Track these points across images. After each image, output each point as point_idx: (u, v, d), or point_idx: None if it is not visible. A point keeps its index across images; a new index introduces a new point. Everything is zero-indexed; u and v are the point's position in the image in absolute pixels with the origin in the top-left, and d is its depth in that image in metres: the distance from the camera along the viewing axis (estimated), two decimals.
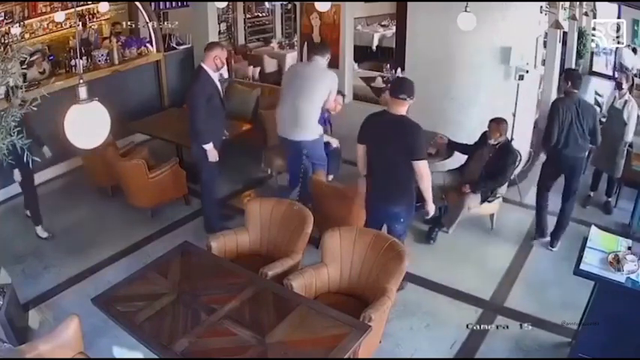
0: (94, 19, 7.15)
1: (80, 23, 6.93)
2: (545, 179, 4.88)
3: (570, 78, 4.61)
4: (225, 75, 5.54)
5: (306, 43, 6.70)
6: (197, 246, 3.76)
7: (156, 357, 2.95)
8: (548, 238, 4.88)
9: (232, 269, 3.51)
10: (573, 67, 8.87)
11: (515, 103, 5.54)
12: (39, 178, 5.87)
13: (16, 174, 4.65)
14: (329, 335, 2.81)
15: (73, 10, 6.38)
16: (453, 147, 5.27)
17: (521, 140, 5.73)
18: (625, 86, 5.19)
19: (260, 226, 4.01)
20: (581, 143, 4.55)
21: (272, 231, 3.99)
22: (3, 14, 5.87)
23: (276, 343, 2.76)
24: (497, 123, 4.80)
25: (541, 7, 5.78)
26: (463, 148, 5.22)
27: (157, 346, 2.83)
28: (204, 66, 4.56)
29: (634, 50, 7.91)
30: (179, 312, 3.03)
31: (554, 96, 6.77)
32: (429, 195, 3.89)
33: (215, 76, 4.65)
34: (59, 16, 6.35)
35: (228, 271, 3.46)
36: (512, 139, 5.11)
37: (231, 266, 3.56)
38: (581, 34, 8.86)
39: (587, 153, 4.88)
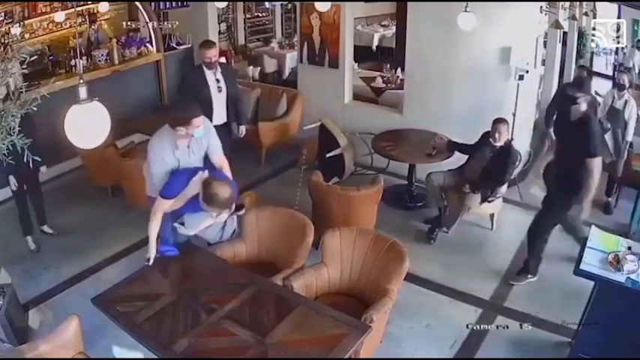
0: (95, 19, 7.15)
1: (88, 22, 6.95)
2: None
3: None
4: None
5: (306, 43, 6.70)
6: (197, 246, 3.76)
7: (156, 357, 2.95)
8: None
9: (232, 269, 3.51)
10: (573, 67, 8.87)
11: (515, 103, 5.54)
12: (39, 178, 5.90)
13: (12, 180, 4.59)
14: (329, 335, 2.80)
15: (73, 10, 6.38)
16: (452, 147, 5.28)
17: (521, 140, 5.73)
18: (625, 86, 5.19)
19: (257, 236, 3.92)
20: None
21: (271, 241, 3.90)
22: (3, 14, 5.87)
23: (276, 344, 2.76)
24: (501, 124, 4.81)
25: (541, 7, 5.78)
26: (463, 148, 5.22)
27: (157, 347, 2.83)
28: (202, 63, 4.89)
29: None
30: (179, 312, 3.02)
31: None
32: None
33: (209, 73, 4.87)
34: (59, 16, 6.35)
35: (228, 271, 3.46)
36: (512, 139, 5.11)
37: (231, 266, 3.56)
38: (581, 34, 8.85)
39: None
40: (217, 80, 4.89)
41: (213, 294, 3.16)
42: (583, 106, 3.92)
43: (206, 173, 3.37)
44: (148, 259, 3.46)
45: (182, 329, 2.88)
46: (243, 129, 5.31)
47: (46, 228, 5.09)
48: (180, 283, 3.31)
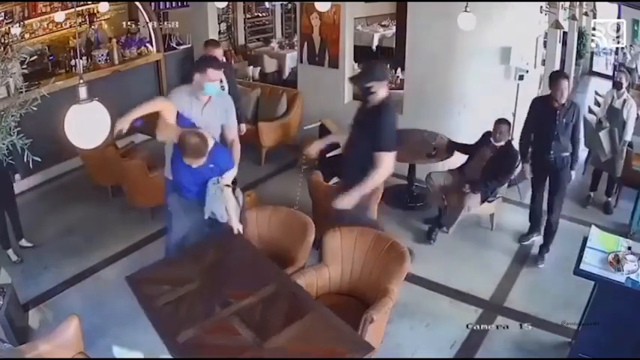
0: (95, 19, 7.16)
1: (88, 22, 6.95)
2: None
3: None
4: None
5: (306, 43, 6.70)
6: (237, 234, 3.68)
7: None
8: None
9: (263, 262, 3.45)
10: (573, 67, 8.89)
11: (515, 103, 5.54)
12: (39, 178, 5.90)
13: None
14: (329, 350, 2.75)
15: (73, 10, 6.38)
16: (452, 147, 5.28)
17: None
18: (624, 85, 5.19)
19: (258, 235, 3.90)
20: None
21: (271, 240, 3.89)
22: (3, 14, 5.87)
23: (273, 350, 2.72)
24: (502, 124, 4.81)
25: (541, 7, 5.78)
26: (463, 148, 5.23)
27: (163, 334, 2.85)
28: None
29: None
30: (196, 301, 3.02)
31: None
32: None
33: None
34: (59, 16, 6.36)
35: (258, 264, 3.43)
36: (512, 139, 5.12)
37: (263, 258, 3.50)
38: (581, 34, 8.87)
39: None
40: (220, 80, 4.89)
41: (234, 287, 3.14)
42: (381, 92, 3.59)
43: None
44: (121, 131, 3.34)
45: (193, 320, 2.88)
46: (243, 127, 5.33)
47: (23, 242, 4.84)
48: (210, 270, 3.28)
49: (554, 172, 4.59)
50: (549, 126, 4.41)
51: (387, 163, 3.57)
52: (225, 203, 3.51)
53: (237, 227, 3.55)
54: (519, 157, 4.97)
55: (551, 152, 4.47)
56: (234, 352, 2.72)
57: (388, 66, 7.99)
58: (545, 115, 4.44)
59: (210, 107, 3.69)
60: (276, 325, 2.87)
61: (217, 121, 3.78)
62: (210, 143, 3.43)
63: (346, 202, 3.64)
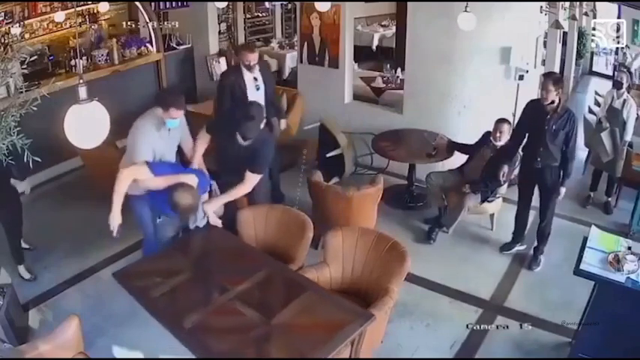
0: (95, 19, 7.15)
1: (88, 22, 6.95)
2: None
3: None
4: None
5: (306, 43, 6.70)
6: (219, 227, 3.83)
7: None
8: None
9: (250, 251, 3.58)
10: (573, 67, 8.89)
11: (515, 103, 5.54)
12: (39, 178, 5.89)
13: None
14: (333, 321, 2.86)
15: (73, 10, 6.38)
16: (453, 147, 5.28)
17: None
18: (624, 85, 5.20)
19: (255, 234, 3.92)
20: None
21: (269, 239, 3.90)
22: (3, 14, 5.87)
23: (280, 325, 2.80)
24: (503, 123, 4.81)
25: (541, 7, 5.78)
26: (463, 147, 5.23)
27: (167, 321, 2.90)
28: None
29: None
30: (193, 290, 3.10)
31: None
32: None
33: (247, 74, 4.86)
34: (59, 16, 6.35)
35: (246, 253, 3.54)
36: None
37: (249, 247, 3.64)
38: (581, 34, 8.88)
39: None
40: (255, 79, 4.89)
41: (228, 274, 3.22)
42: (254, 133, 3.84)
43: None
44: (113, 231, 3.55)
45: (193, 306, 2.94)
46: (284, 122, 5.36)
47: (22, 244, 4.71)
48: (199, 262, 3.37)
49: (542, 183, 4.44)
50: (538, 131, 4.24)
51: (251, 182, 3.89)
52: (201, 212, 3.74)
53: (214, 221, 3.78)
54: (519, 157, 4.97)
55: (538, 160, 4.33)
56: (242, 330, 2.79)
57: (388, 66, 8.06)
58: (536, 119, 4.27)
59: (172, 131, 3.84)
60: (278, 304, 2.98)
61: (177, 140, 3.95)
62: (195, 185, 3.57)
63: (212, 205, 3.87)
